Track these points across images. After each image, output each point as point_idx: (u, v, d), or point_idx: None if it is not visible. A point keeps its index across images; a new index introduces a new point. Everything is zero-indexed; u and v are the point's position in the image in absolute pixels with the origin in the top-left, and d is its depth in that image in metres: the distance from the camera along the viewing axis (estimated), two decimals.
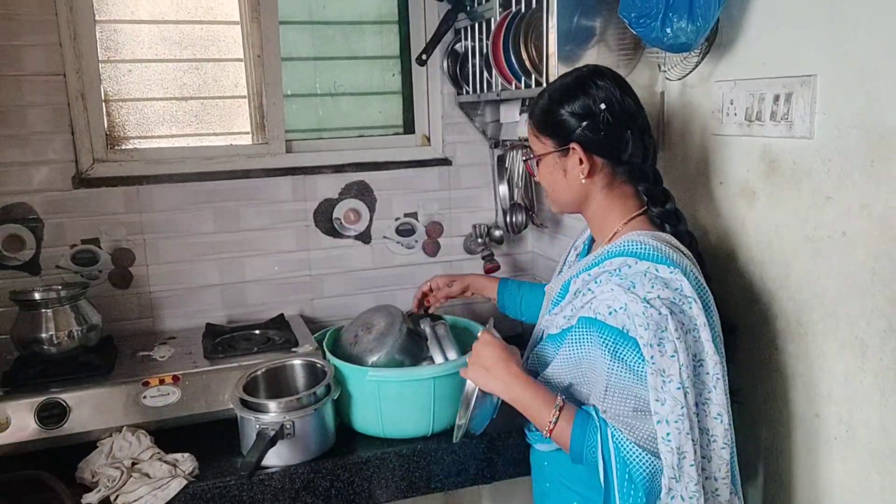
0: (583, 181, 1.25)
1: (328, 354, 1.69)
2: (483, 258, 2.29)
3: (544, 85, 1.62)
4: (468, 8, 2.02)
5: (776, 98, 1.28)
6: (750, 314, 1.40)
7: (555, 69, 1.55)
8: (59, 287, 1.81)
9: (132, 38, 2.01)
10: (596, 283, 1.21)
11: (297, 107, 2.22)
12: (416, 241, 2.28)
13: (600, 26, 1.57)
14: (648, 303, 1.11)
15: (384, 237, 2.25)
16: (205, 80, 2.09)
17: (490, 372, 1.25)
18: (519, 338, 2.13)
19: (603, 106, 1.22)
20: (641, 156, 1.26)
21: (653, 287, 1.13)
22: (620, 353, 1.12)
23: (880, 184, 1.10)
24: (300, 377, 1.72)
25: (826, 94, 1.20)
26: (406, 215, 2.26)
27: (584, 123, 1.23)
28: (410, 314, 1.80)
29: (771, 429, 1.38)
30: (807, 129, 1.23)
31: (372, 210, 2.22)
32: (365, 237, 2.23)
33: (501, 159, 2.21)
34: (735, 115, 1.39)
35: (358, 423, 1.65)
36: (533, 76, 1.70)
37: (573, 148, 1.24)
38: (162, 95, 2.06)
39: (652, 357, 1.09)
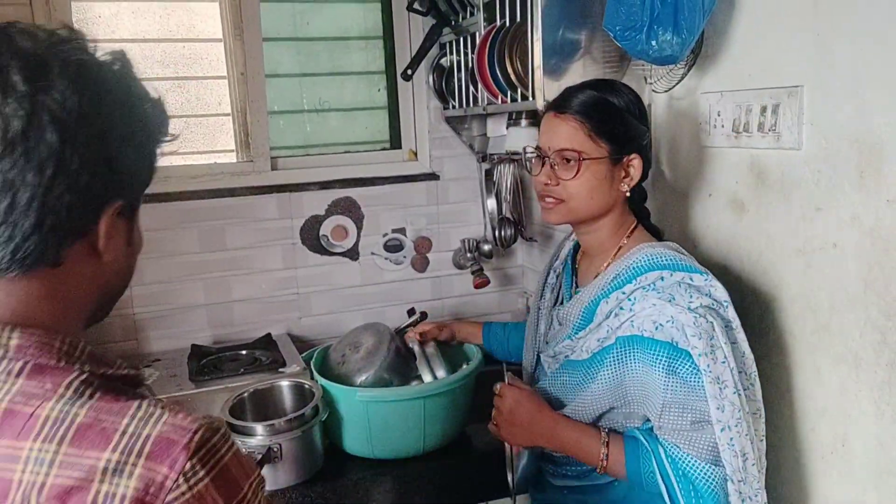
0: (627, 194, 1.25)
1: (316, 374, 1.66)
2: (472, 273, 2.27)
3: (531, 98, 1.61)
4: (453, 22, 2.01)
5: (763, 109, 1.27)
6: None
7: (541, 82, 1.54)
8: None
9: None
10: (630, 300, 1.17)
11: (284, 123, 2.20)
12: (405, 257, 2.26)
13: (585, 39, 1.56)
14: (695, 312, 1.11)
15: (372, 253, 2.22)
16: (188, 98, 2.07)
17: (529, 428, 1.22)
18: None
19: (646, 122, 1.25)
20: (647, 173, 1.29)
21: (692, 297, 1.13)
22: (675, 368, 1.11)
23: (870, 194, 1.09)
24: (288, 398, 1.68)
25: (813, 105, 1.19)
26: (394, 231, 2.24)
27: (645, 135, 1.24)
28: (398, 331, 1.77)
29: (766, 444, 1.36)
30: (795, 140, 1.22)
31: (359, 226, 2.20)
32: (353, 254, 2.21)
33: (489, 173, 2.19)
34: (722, 126, 1.38)
35: (347, 443, 1.62)
36: (519, 90, 1.69)
37: (632, 158, 1.23)
38: None
39: (707, 366, 1.09)
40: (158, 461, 0.60)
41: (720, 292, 1.16)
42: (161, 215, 1.98)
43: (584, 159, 1.21)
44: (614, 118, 1.22)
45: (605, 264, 1.27)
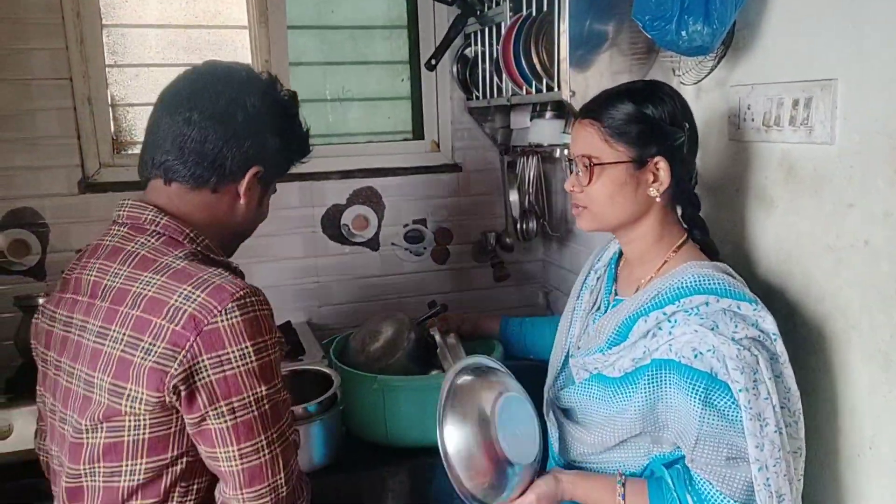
0: (657, 199, 1.18)
1: (335, 361, 1.66)
2: (492, 266, 2.26)
3: (557, 89, 1.59)
4: (478, 12, 1.99)
5: (795, 103, 1.25)
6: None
7: (566, 74, 1.52)
8: None
9: (139, 43, 2.00)
10: (671, 322, 1.12)
11: (307, 112, 2.19)
12: (425, 248, 2.25)
13: (613, 30, 1.54)
14: (739, 344, 1.05)
15: (392, 244, 2.22)
16: None
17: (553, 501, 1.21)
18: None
19: (687, 125, 1.17)
20: (694, 178, 1.23)
21: (737, 326, 1.07)
22: (712, 400, 1.05)
23: None
24: (307, 386, 1.68)
25: (847, 99, 1.16)
26: (415, 222, 2.23)
27: (674, 136, 1.16)
28: (419, 322, 1.76)
29: None
30: (827, 134, 1.19)
31: (380, 216, 2.19)
32: (373, 244, 2.20)
33: (512, 165, 2.18)
34: (752, 120, 1.36)
35: (364, 431, 1.62)
36: (544, 80, 1.67)
37: (657, 161, 1.16)
38: None
39: (748, 402, 1.03)
40: (214, 298, 0.94)
41: (769, 324, 1.10)
42: None
43: (595, 164, 1.17)
44: (632, 120, 1.16)
45: (648, 278, 1.21)
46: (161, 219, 1.04)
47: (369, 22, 2.21)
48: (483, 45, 2.00)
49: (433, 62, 2.03)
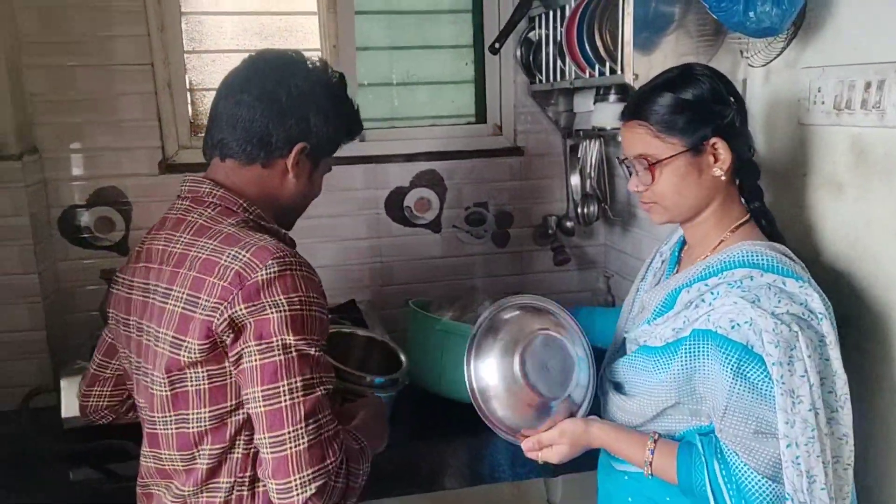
0: (723, 178, 1.17)
1: (411, 304, 1.76)
2: (553, 250, 2.27)
3: (619, 72, 1.58)
4: None
5: (867, 85, 1.21)
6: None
7: (630, 58, 1.52)
8: None
9: (216, 30, 2.09)
10: (713, 294, 1.12)
11: (373, 96, 2.25)
12: (486, 231, 2.28)
13: (679, 12, 1.52)
14: (778, 318, 1.05)
15: (454, 226, 2.26)
16: None
17: (575, 447, 1.23)
18: None
19: (732, 99, 1.16)
20: (752, 148, 1.22)
21: (779, 301, 1.07)
22: (744, 371, 1.05)
23: None
24: (375, 358, 1.72)
25: None
26: (476, 205, 2.26)
27: (723, 114, 1.15)
28: None
29: (855, 438, 1.31)
30: None
31: (442, 199, 2.23)
32: (435, 226, 2.24)
33: (574, 149, 2.18)
34: (822, 103, 1.32)
35: (424, 380, 1.69)
36: (607, 63, 1.66)
37: (714, 143, 1.15)
38: None
39: (781, 376, 1.03)
40: (256, 257, 1.04)
41: (815, 303, 1.08)
42: None
43: (653, 163, 1.17)
44: (676, 109, 1.15)
45: (704, 256, 1.22)
46: (217, 191, 1.14)
47: (435, 7, 2.24)
48: (547, 28, 2.00)
49: (497, 46, 2.04)
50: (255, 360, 1.00)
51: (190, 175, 1.19)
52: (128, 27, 1.95)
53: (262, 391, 1.00)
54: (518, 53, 2.18)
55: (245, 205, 1.15)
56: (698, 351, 1.11)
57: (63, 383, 1.70)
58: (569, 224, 2.25)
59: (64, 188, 1.99)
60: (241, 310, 1.01)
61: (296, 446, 0.98)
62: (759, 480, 1.05)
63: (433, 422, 1.68)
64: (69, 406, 1.66)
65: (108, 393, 1.30)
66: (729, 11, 1.26)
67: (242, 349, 1.02)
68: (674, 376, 1.14)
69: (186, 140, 2.07)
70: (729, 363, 1.06)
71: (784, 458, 1.04)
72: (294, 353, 1.01)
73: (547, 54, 2.01)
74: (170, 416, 1.09)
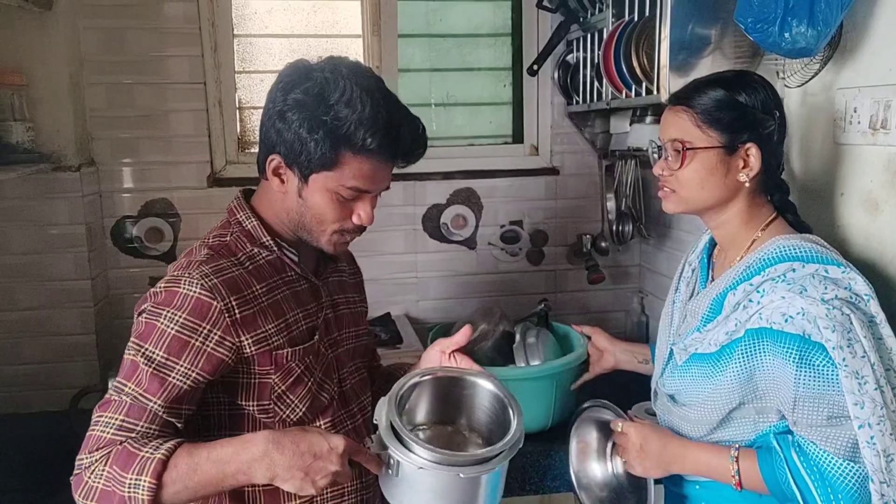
0: (746, 185, 1.19)
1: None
2: (587, 268, 2.29)
3: (655, 93, 1.62)
4: (581, 19, 2.04)
5: None
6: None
7: (666, 79, 1.55)
8: None
9: (265, 51, 2.18)
10: (759, 292, 1.14)
11: None
12: (521, 249, 2.31)
13: (716, 34, 1.55)
14: (829, 304, 1.06)
15: (489, 244, 2.29)
16: None
17: (660, 457, 1.22)
18: None
19: (777, 113, 1.19)
20: (782, 165, 1.24)
21: (826, 288, 1.08)
22: (807, 360, 1.07)
23: None
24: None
25: None
26: (511, 223, 2.30)
27: (766, 124, 1.18)
28: (524, 319, 1.82)
29: None
30: None
31: (478, 217, 2.27)
32: (470, 243, 2.28)
33: (609, 169, 2.20)
34: (858, 123, 1.34)
35: None
36: (644, 84, 1.70)
37: (748, 148, 1.17)
38: None
39: (843, 359, 1.04)
40: (170, 268, 1.10)
41: (860, 286, 1.10)
42: None
43: (687, 149, 1.19)
44: (725, 106, 1.18)
45: (739, 257, 1.23)
46: (232, 204, 1.17)
47: (475, 30, 2.30)
48: (585, 50, 2.05)
49: (535, 67, 2.09)
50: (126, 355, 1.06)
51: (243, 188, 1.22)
52: (183, 48, 2.05)
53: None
54: (556, 75, 2.23)
55: (241, 218, 1.14)
56: (755, 349, 1.12)
57: (110, 384, 1.76)
58: (603, 243, 2.27)
59: (117, 199, 2.09)
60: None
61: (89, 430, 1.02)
62: (841, 464, 1.06)
63: None
64: None
65: None
66: (764, 32, 1.28)
67: None
68: (733, 378, 1.15)
69: (234, 155, 2.16)
70: (790, 356, 1.07)
71: (860, 439, 1.04)
72: (128, 356, 1.04)
73: (584, 76, 2.06)
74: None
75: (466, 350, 1.22)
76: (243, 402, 1.10)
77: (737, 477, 1.14)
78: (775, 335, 1.09)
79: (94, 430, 1.00)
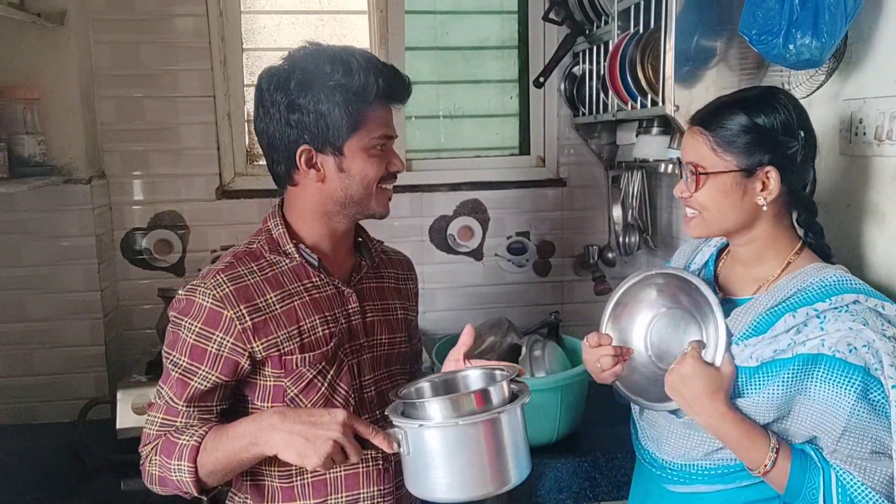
0: (764, 208, 1.17)
1: (434, 360, 1.74)
2: (594, 279, 2.29)
3: (661, 104, 1.62)
4: (587, 32, 2.05)
5: None
6: None
7: (671, 91, 1.55)
8: None
9: None
10: (820, 318, 1.12)
11: (420, 129, 2.33)
12: (528, 260, 2.31)
13: (721, 46, 1.56)
14: (893, 340, 1.06)
15: (496, 255, 2.30)
16: None
17: (696, 401, 1.15)
18: None
19: (802, 133, 1.16)
20: (812, 187, 1.23)
21: (882, 325, 1.08)
22: (867, 394, 1.06)
23: None
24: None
25: None
26: (518, 234, 2.30)
27: (787, 145, 1.15)
28: (531, 331, 1.82)
29: None
30: None
31: (485, 228, 2.28)
32: (477, 254, 2.29)
33: (616, 180, 2.21)
34: (864, 134, 1.34)
35: None
36: (649, 96, 1.70)
37: (767, 171, 1.15)
38: None
39: None
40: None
41: None
42: None
43: (701, 173, 1.18)
44: (742, 130, 1.16)
45: (775, 275, 1.21)
46: (270, 212, 1.22)
47: (482, 43, 2.32)
48: (591, 63, 2.06)
49: (542, 80, 2.10)
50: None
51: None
52: (193, 62, 2.07)
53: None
54: (562, 87, 2.24)
55: (271, 225, 1.20)
56: (805, 374, 1.10)
57: (119, 395, 1.77)
58: (610, 254, 2.27)
59: (127, 211, 2.11)
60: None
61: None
62: (874, 497, 1.06)
63: None
64: (123, 417, 1.74)
65: None
66: (769, 44, 1.29)
67: None
68: (771, 396, 1.12)
69: (243, 168, 2.17)
70: (852, 386, 1.06)
71: None
72: (164, 362, 1.15)
73: (590, 88, 2.07)
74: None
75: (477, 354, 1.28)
76: (259, 404, 1.16)
77: (769, 466, 1.11)
78: (836, 363, 1.08)
79: (145, 426, 1.15)
